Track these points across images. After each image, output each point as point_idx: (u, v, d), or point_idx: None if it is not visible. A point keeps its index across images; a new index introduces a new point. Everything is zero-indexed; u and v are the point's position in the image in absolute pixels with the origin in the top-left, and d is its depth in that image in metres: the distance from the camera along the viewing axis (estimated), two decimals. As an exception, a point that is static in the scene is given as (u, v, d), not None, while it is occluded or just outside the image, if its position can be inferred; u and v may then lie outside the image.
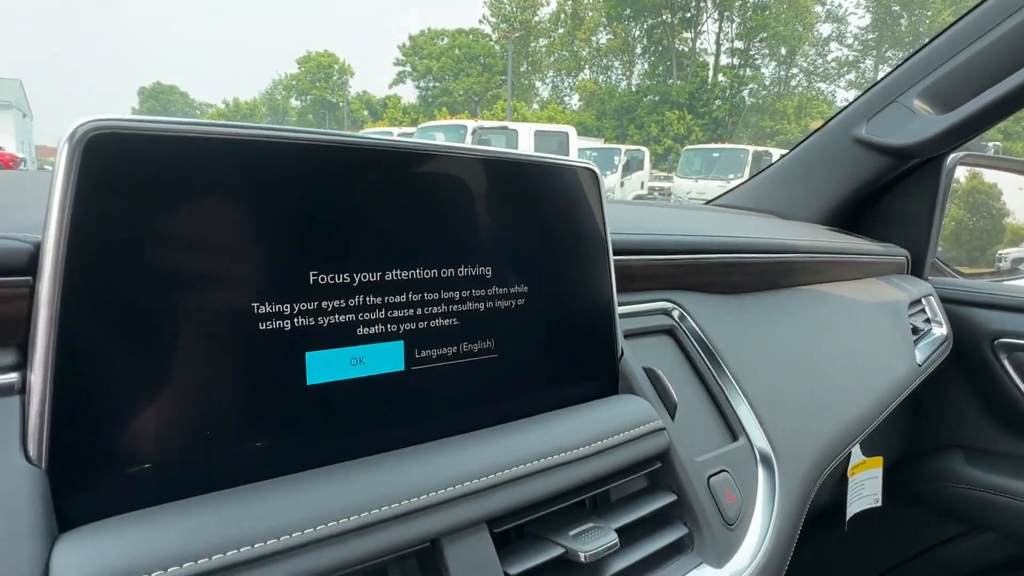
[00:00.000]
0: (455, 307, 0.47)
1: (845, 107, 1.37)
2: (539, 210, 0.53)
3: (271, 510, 0.36)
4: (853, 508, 1.13)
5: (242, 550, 0.34)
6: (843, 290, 1.05)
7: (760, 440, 0.64)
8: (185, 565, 0.32)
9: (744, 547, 0.54)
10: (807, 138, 1.42)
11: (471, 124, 12.78)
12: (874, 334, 1.01)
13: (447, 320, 0.47)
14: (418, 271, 0.45)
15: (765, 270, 0.87)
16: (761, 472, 0.62)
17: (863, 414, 0.82)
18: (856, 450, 1.10)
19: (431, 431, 0.46)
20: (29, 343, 0.34)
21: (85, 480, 0.34)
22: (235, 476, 0.39)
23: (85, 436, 0.34)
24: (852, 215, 1.40)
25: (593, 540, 0.46)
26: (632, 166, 16.29)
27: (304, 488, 0.38)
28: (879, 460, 1.15)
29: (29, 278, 0.35)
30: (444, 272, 0.46)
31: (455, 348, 0.47)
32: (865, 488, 1.14)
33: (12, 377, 0.35)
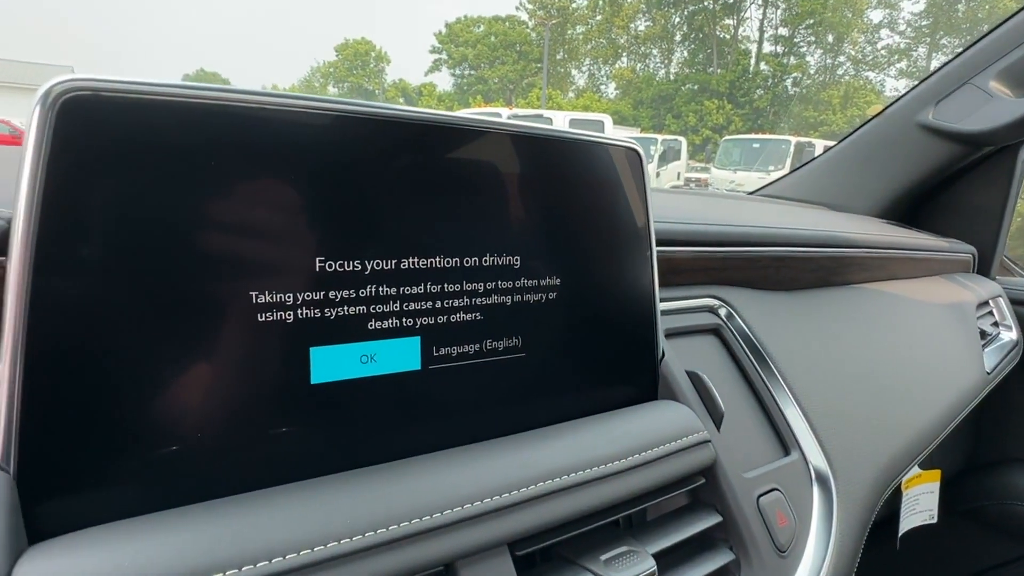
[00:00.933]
0: (479, 300, 0.42)
1: (908, 91, 1.26)
2: (574, 193, 0.47)
3: (264, 527, 0.32)
4: (906, 524, 1.05)
5: (227, 574, 0.30)
6: (903, 289, 0.96)
7: (815, 455, 0.58)
8: None
9: (799, 579, 0.48)
10: (864, 124, 1.32)
11: (505, 112, 12.74)
12: (939, 338, 0.93)
13: (469, 315, 0.42)
14: (438, 259, 0.40)
15: (819, 265, 0.80)
16: (816, 492, 0.55)
17: (927, 427, 0.74)
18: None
19: (449, 437, 0.41)
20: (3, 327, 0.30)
21: (58, 485, 0.30)
22: (228, 485, 0.35)
23: (59, 435, 0.30)
24: (912, 208, 1.30)
25: (628, 567, 0.41)
26: (668, 156, 15.97)
27: (302, 503, 0.34)
28: (936, 473, 1.06)
29: (2, 258, 0.32)
30: (467, 261, 0.41)
31: (478, 346, 0.42)
32: (920, 503, 1.06)
33: None
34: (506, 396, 0.44)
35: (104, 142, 0.30)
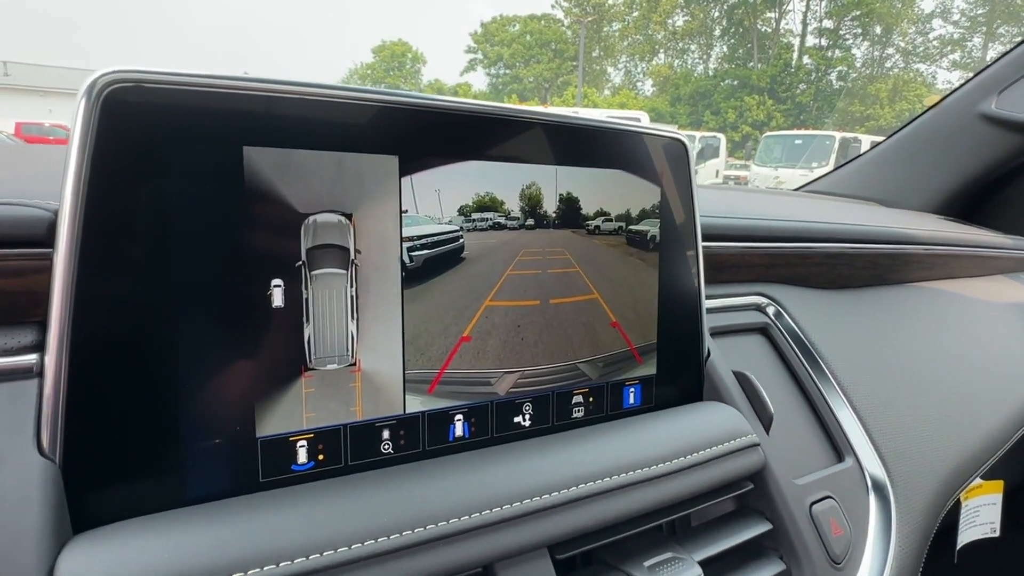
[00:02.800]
0: (518, 295, 0.41)
1: (968, 80, 1.20)
2: (615, 186, 0.46)
3: (301, 524, 0.31)
4: (965, 537, 0.99)
5: (265, 569, 0.29)
6: (964, 288, 0.91)
7: (871, 462, 0.54)
8: None
9: (855, 593, 0.45)
10: (919, 116, 1.26)
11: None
12: (1003, 340, 0.87)
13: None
14: (477, 253, 0.39)
15: (873, 263, 0.76)
16: (873, 501, 0.52)
17: (992, 435, 0.70)
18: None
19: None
20: (46, 321, 0.31)
21: (102, 477, 0.31)
22: (267, 479, 0.34)
23: (103, 427, 0.30)
24: (971, 203, 1.23)
25: (673, 574, 0.39)
26: (707, 153, 15.65)
27: (342, 499, 0.33)
28: (999, 484, 1.00)
29: (50, 250, 0.32)
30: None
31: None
32: (980, 515, 1.00)
33: (31, 358, 0.32)
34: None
35: (147, 131, 0.30)
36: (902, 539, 0.50)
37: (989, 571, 1.15)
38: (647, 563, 0.40)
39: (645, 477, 0.41)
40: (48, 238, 0.32)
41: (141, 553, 0.28)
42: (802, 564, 0.45)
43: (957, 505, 0.97)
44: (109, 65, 0.30)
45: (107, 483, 0.31)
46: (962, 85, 1.19)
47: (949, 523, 0.97)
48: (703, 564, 0.41)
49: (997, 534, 1.01)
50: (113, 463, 0.31)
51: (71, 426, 0.30)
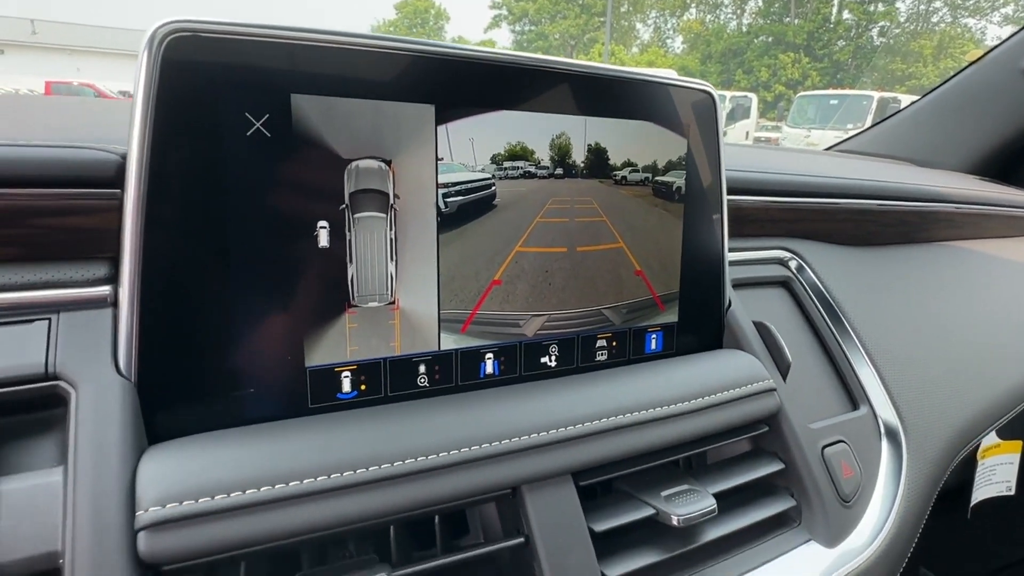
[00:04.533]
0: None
1: (1013, 34, 1.15)
2: (643, 137, 0.47)
3: (347, 443, 0.35)
4: (980, 494, 1.01)
5: (319, 479, 0.33)
6: (994, 248, 0.90)
7: (886, 410, 0.56)
8: (263, 489, 0.31)
9: (861, 528, 0.47)
10: (959, 72, 1.22)
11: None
12: (1030, 301, 0.87)
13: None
14: (508, 200, 0.41)
15: (900, 220, 0.76)
16: (885, 446, 0.54)
17: (1011, 391, 0.70)
18: (991, 431, 0.97)
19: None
20: (119, 256, 0.34)
21: (171, 396, 0.34)
22: (314, 403, 0.38)
23: (172, 351, 0.34)
24: (1009, 164, 1.20)
25: (688, 504, 0.42)
26: (737, 114, 15.18)
27: (381, 423, 0.37)
28: (1017, 444, 1.01)
29: (118, 190, 0.35)
30: (536, 202, 0.42)
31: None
32: (996, 474, 1.01)
33: (105, 290, 0.35)
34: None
35: (204, 78, 0.32)
36: (911, 484, 0.52)
37: (1000, 528, 1.16)
38: (664, 493, 0.43)
39: (664, 415, 0.43)
40: (117, 180, 0.34)
41: (210, 461, 0.32)
42: (812, 501, 0.47)
43: (973, 463, 0.98)
44: (153, 20, 0.32)
45: (176, 401, 0.34)
46: (1006, 40, 1.15)
47: (964, 480, 0.99)
48: (717, 497, 0.43)
49: (1012, 492, 1.02)
50: (181, 384, 0.34)
51: (144, 349, 0.33)
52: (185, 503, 0.30)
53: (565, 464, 0.39)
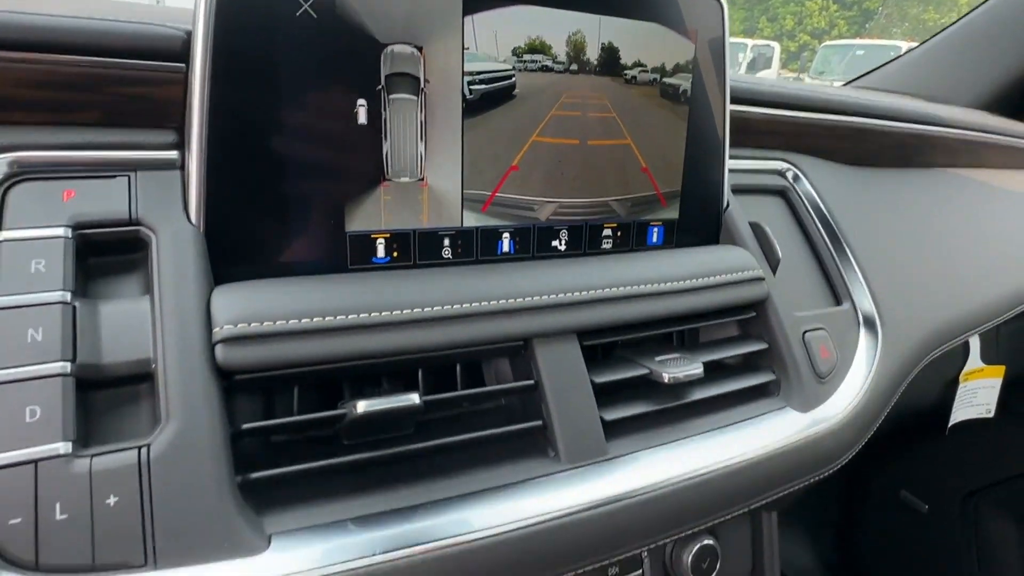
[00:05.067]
0: (561, 130, 0.47)
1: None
2: (652, 38, 0.50)
3: (382, 291, 0.40)
4: (959, 415, 1.07)
5: (360, 316, 0.38)
6: (993, 178, 0.93)
7: (866, 306, 0.61)
8: (315, 319, 0.37)
9: (834, 400, 0.53)
10: (974, 10, 1.21)
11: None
12: None
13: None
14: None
15: (899, 142, 0.79)
16: (863, 334, 0.60)
17: (990, 305, 0.75)
18: (975, 354, 1.02)
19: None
20: (185, 123, 0.38)
21: (233, 244, 0.39)
22: (353, 264, 0.43)
23: (233, 206, 0.39)
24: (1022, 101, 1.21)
25: (678, 367, 0.48)
26: (758, 64, 14.70)
27: (412, 279, 0.42)
28: (1000, 369, 1.06)
29: (183, 64, 0.39)
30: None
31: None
32: (978, 396, 1.07)
33: (172, 154, 0.40)
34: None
35: None
36: (882, 368, 0.57)
37: (978, 449, 1.24)
38: (658, 358, 0.48)
39: (660, 291, 0.49)
40: (183, 54, 0.39)
41: (270, 295, 0.38)
42: (790, 376, 0.53)
43: (955, 385, 1.04)
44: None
45: (237, 250, 0.39)
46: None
47: (947, 402, 1.05)
48: (705, 367, 0.49)
49: (991, 415, 1.09)
50: (241, 235, 0.39)
51: (210, 204, 0.38)
52: (252, 324, 0.36)
53: (570, 324, 0.45)
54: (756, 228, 0.58)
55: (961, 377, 1.03)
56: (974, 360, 1.03)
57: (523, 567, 0.38)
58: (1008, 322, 1.07)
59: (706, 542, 0.51)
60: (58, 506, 0.30)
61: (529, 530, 0.38)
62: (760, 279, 0.54)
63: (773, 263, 0.56)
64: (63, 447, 0.31)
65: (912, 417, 1.09)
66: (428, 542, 0.35)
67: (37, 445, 0.31)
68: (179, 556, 0.31)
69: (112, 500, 0.31)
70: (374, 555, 0.34)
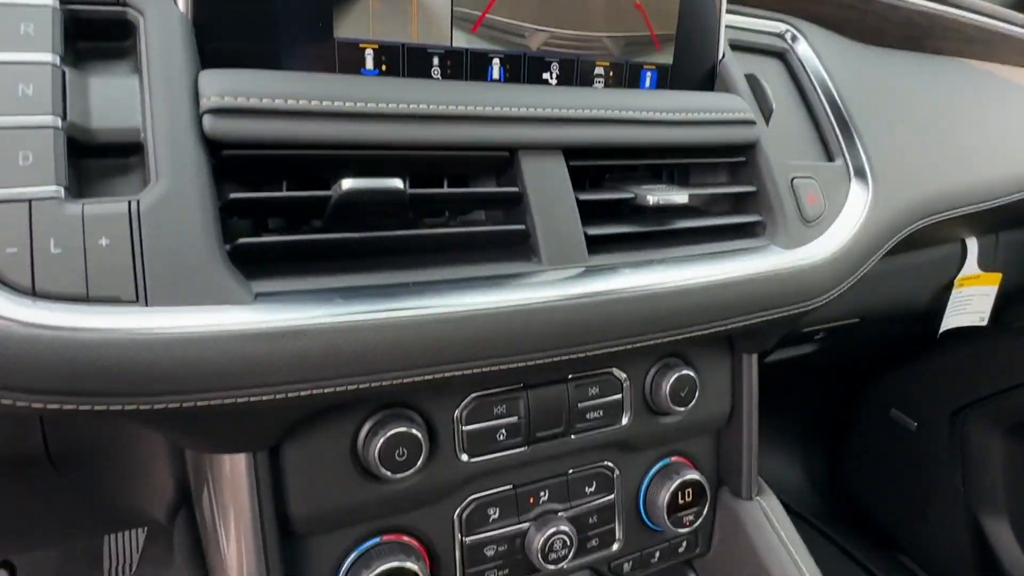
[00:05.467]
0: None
1: None
2: None
3: (375, 86, 0.41)
4: (951, 321, 1.08)
5: (346, 104, 0.39)
6: (1005, 73, 0.91)
7: (859, 162, 0.61)
8: (300, 101, 0.38)
9: (819, 241, 0.54)
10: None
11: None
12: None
13: None
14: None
15: (909, 19, 0.77)
16: (855, 187, 0.60)
17: (991, 183, 0.74)
18: (972, 259, 1.02)
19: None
20: None
21: (220, 31, 0.39)
22: (345, 71, 0.43)
23: None
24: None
25: (663, 193, 0.48)
26: None
27: (401, 84, 0.42)
28: (996, 277, 1.06)
29: None
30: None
31: None
32: (972, 303, 1.08)
33: None
34: None
35: None
36: (870, 222, 0.58)
37: (969, 359, 1.25)
38: (645, 186, 0.49)
39: (650, 119, 0.49)
40: None
41: (256, 77, 0.38)
42: (776, 217, 0.53)
43: (950, 289, 1.04)
44: None
45: (223, 37, 0.39)
46: None
47: (939, 309, 1.06)
48: (691, 201, 0.49)
49: (984, 323, 1.09)
50: (228, 23, 0.39)
51: None
52: (239, 99, 0.36)
53: (556, 139, 0.45)
54: (751, 79, 0.57)
55: (956, 282, 1.03)
56: (971, 265, 1.02)
57: (499, 345, 0.39)
58: (1008, 231, 1.06)
59: (685, 372, 0.52)
60: (52, 240, 0.31)
61: (508, 311, 0.39)
62: (751, 122, 0.54)
63: (766, 112, 0.56)
64: (55, 191, 0.32)
65: (904, 324, 1.10)
66: (410, 310, 0.37)
67: (31, 186, 0.32)
68: (169, 297, 0.33)
69: (104, 241, 0.32)
70: (356, 314, 0.35)
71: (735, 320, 0.48)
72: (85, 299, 0.32)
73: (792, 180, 0.55)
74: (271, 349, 0.33)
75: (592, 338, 0.42)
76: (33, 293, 0.31)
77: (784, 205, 0.54)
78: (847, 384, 1.43)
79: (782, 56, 0.65)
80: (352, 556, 0.44)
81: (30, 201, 0.31)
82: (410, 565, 0.44)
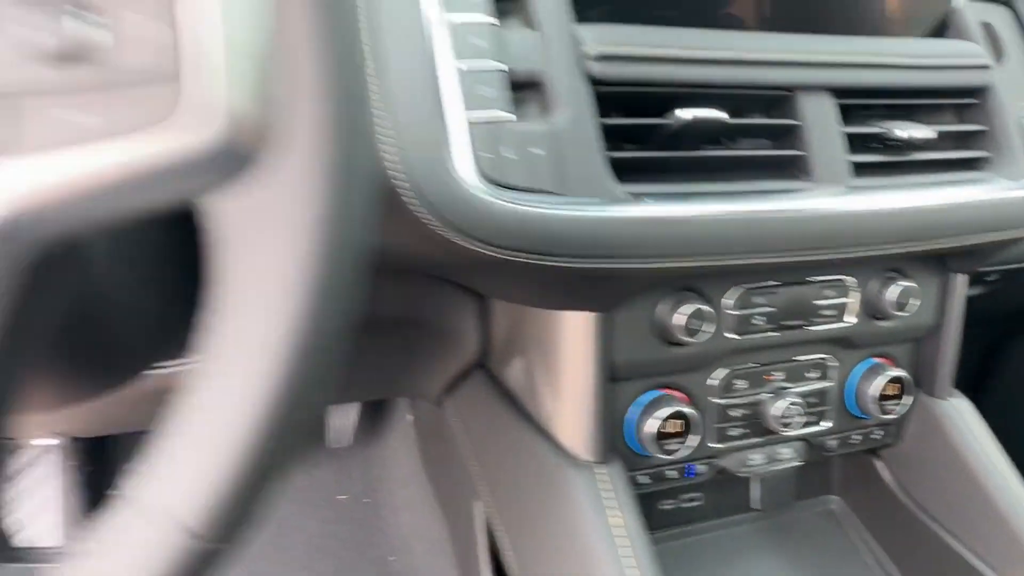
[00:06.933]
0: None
1: None
2: None
3: (710, 38, 0.54)
4: None
5: (683, 51, 0.51)
6: None
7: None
8: (659, 49, 0.50)
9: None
10: None
11: None
12: None
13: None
14: None
15: None
16: None
17: None
18: None
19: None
20: None
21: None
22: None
23: None
24: None
25: (912, 128, 0.58)
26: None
27: (732, 35, 0.55)
28: None
29: None
30: None
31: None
32: None
33: None
34: None
35: None
36: None
37: None
38: (892, 123, 0.58)
39: (906, 64, 0.59)
40: None
41: (623, 30, 0.51)
42: (1003, 153, 0.61)
43: None
44: None
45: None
46: None
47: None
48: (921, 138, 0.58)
49: None
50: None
51: None
52: (615, 47, 0.49)
53: (826, 80, 0.56)
54: (986, 26, 0.64)
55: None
56: None
57: (793, 240, 0.53)
58: None
59: (909, 283, 0.62)
60: (512, 149, 0.46)
61: (801, 215, 0.52)
62: (986, 66, 0.61)
63: (999, 57, 0.63)
64: (509, 116, 0.47)
65: None
66: (746, 210, 0.51)
67: (497, 111, 0.46)
68: (580, 191, 0.47)
69: (538, 151, 0.46)
70: (715, 205, 0.49)
71: (965, 238, 0.58)
72: (531, 191, 0.46)
73: (1022, 119, 0.62)
74: (659, 232, 0.48)
75: (857, 242, 0.54)
76: (500, 186, 0.46)
77: (1011, 141, 0.61)
78: (1001, 335, 1.41)
79: (1008, 3, 0.70)
80: (644, 398, 0.59)
81: (498, 123, 0.46)
82: (688, 410, 0.58)
